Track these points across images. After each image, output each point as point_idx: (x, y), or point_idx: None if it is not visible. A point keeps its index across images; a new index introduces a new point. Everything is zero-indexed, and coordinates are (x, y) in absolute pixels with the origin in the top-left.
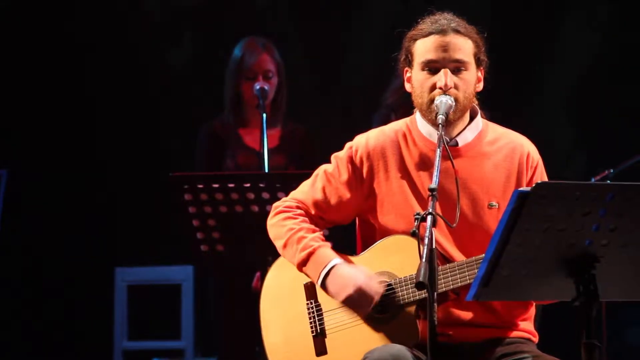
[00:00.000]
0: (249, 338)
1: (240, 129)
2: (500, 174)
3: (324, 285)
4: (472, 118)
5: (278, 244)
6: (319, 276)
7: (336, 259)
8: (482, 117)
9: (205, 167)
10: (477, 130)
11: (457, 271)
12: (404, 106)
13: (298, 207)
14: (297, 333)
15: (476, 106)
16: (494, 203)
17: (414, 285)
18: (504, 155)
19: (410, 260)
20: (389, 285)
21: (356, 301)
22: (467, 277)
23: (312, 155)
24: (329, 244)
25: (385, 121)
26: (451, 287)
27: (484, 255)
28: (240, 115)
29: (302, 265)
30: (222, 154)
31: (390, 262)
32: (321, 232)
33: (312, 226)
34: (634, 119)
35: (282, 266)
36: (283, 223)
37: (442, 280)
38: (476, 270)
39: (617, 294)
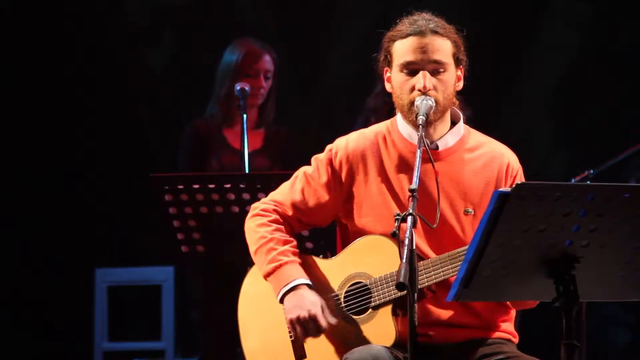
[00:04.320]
0: (230, 338)
1: (225, 129)
2: (479, 182)
3: (282, 301)
4: (454, 123)
5: (250, 249)
6: (279, 292)
7: (300, 279)
8: (464, 122)
9: (189, 167)
10: (458, 136)
11: (432, 268)
12: (383, 109)
13: (275, 211)
14: (276, 338)
15: (459, 111)
16: (470, 209)
17: (389, 284)
18: (484, 163)
19: (385, 260)
20: (365, 286)
21: (304, 324)
22: (442, 274)
23: (295, 156)
24: (297, 260)
25: (366, 124)
26: (426, 284)
27: (458, 250)
28: (230, 115)
29: (267, 276)
30: (205, 154)
31: (364, 263)
32: (293, 243)
33: (285, 235)
34: (614, 119)
35: (258, 273)
36: (257, 229)
37: (418, 278)
38: (450, 267)
39: (597, 295)
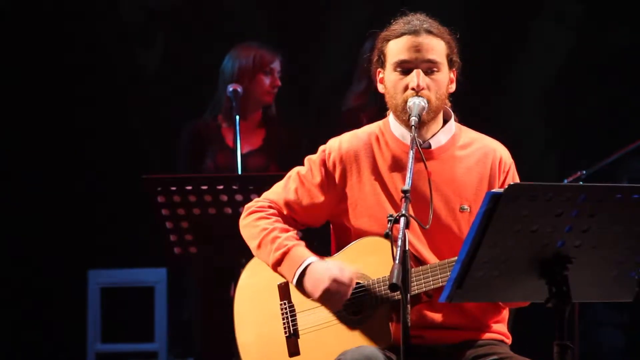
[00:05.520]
0: (225, 339)
1: (225, 129)
2: (473, 178)
3: (299, 284)
4: (445, 121)
5: (252, 245)
6: (294, 275)
7: (311, 258)
8: (455, 120)
9: (188, 167)
10: (450, 134)
11: (430, 273)
12: (372, 108)
13: (270, 207)
14: (270, 333)
15: (450, 109)
16: (466, 206)
17: (387, 287)
18: (477, 159)
19: (384, 262)
20: (362, 286)
21: (334, 292)
22: (440, 280)
23: (292, 157)
24: (303, 243)
25: (353, 123)
26: (424, 289)
27: (456, 257)
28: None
29: (277, 265)
30: (204, 154)
31: (363, 263)
32: (295, 231)
33: (286, 225)
34: (607, 120)
35: (256, 267)
36: (256, 223)
37: (415, 283)
38: (449, 273)
39: (589, 295)
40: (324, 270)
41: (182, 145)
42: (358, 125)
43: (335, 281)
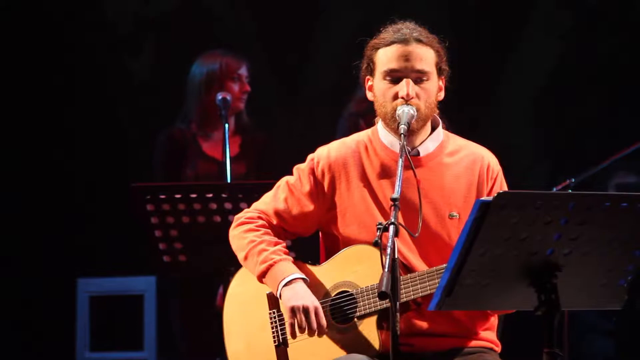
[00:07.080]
0: (212, 348)
1: (200, 137)
2: (461, 185)
3: (280, 294)
4: (433, 129)
5: (240, 256)
6: (277, 287)
7: (296, 273)
8: (443, 128)
9: (164, 174)
10: (438, 141)
11: (418, 281)
12: (371, 113)
13: (260, 218)
14: (260, 342)
15: (438, 117)
16: (455, 213)
17: (375, 295)
18: (465, 166)
19: (372, 270)
20: (351, 295)
21: (306, 314)
22: (428, 287)
23: (271, 163)
24: (290, 258)
25: (353, 128)
26: (412, 296)
27: (445, 265)
28: (209, 125)
29: (261, 277)
30: (181, 161)
31: (351, 272)
32: (283, 244)
33: (274, 238)
34: (595, 128)
35: (245, 275)
36: (244, 235)
37: (404, 290)
38: (437, 280)
39: (578, 303)
40: (310, 294)
41: (158, 151)
42: (358, 130)
43: (316, 309)
